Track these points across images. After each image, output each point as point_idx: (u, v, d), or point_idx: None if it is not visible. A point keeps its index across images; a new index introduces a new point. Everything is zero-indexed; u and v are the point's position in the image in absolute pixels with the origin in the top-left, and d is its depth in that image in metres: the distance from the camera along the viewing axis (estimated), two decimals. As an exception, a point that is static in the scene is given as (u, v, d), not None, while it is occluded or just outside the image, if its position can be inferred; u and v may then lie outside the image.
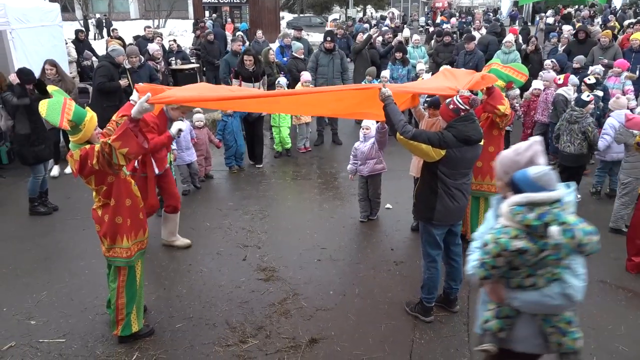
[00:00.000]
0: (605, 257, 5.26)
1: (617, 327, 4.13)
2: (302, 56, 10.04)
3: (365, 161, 5.98)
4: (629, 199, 5.62)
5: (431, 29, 18.91)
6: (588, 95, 6.43)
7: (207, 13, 25.79)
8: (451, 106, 3.84)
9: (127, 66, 8.04)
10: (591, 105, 6.33)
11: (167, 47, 12.48)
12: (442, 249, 4.21)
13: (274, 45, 12.22)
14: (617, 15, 20.24)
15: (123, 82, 7.82)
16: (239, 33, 13.93)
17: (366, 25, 20.95)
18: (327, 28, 19.70)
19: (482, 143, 4.01)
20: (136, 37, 12.82)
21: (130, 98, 4.00)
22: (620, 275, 4.91)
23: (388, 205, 6.49)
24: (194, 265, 5.19)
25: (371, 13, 39.28)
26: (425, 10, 37.23)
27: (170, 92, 3.98)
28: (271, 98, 4.65)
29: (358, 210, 6.25)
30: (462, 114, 3.79)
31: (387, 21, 20.73)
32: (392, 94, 3.93)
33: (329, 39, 9.31)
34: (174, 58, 12.01)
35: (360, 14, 38.01)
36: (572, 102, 6.52)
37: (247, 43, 12.73)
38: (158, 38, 12.29)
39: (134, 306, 3.86)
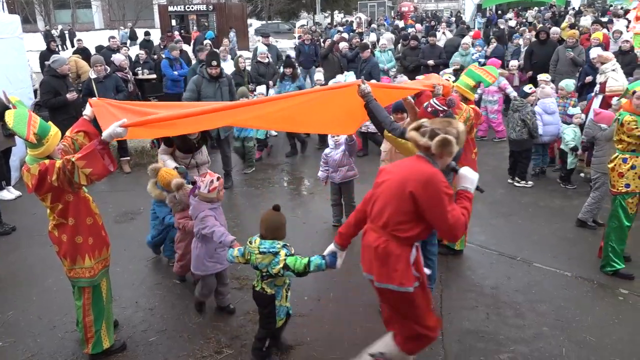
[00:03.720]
0: (572, 250, 5.42)
1: (584, 318, 4.25)
2: (267, 60, 10.01)
3: (337, 168, 6.00)
4: (600, 194, 5.76)
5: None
6: (530, 88, 7.24)
7: (173, 22, 25.58)
8: (429, 109, 3.95)
9: (93, 76, 7.90)
10: (532, 97, 7.22)
11: (133, 58, 12.31)
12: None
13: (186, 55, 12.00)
14: (575, 15, 20.85)
15: (70, 95, 7.48)
16: (206, 41, 13.85)
17: (340, 29, 21.10)
18: (296, 34, 19.78)
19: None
20: (99, 48, 12.55)
21: (84, 113, 3.87)
22: (586, 268, 5.05)
23: (360, 209, 6.53)
24: (167, 277, 5.12)
25: (341, 18, 39.55)
26: (392, 14, 37.68)
27: (138, 112, 3.85)
28: (244, 108, 4.26)
29: (331, 214, 6.28)
30: (441, 115, 3.90)
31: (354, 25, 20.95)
32: (371, 91, 3.93)
33: (214, 63, 7.04)
34: (140, 68, 11.85)
35: (328, 20, 38.23)
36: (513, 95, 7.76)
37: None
38: (125, 48, 12.12)
39: (102, 322, 3.78)
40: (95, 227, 3.67)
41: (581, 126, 7.03)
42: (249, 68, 10.31)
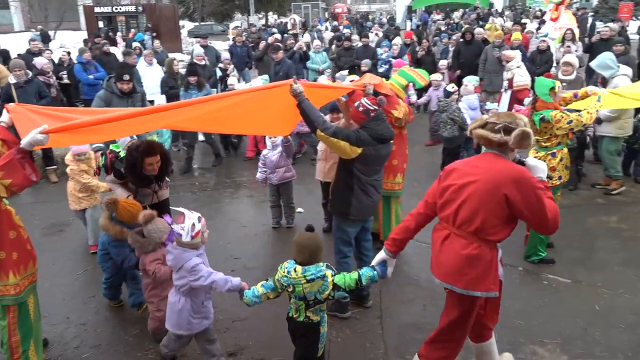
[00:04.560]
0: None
1: (514, 303, 4.47)
2: (203, 62, 9.85)
3: (275, 170, 6.00)
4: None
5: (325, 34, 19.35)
6: (453, 87, 7.58)
7: (100, 23, 24.53)
8: (361, 108, 4.01)
9: (13, 81, 7.44)
10: (455, 96, 7.60)
11: (57, 61, 11.69)
12: (353, 246, 4.38)
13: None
14: (496, 16, 21.95)
15: None
16: (136, 44, 13.41)
17: (274, 30, 21.02)
18: (230, 36, 19.55)
19: (393, 141, 4.24)
20: (19, 54, 11.81)
21: (0, 120, 3.59)
22: (514, 256, 5.31)
23: (299, 210, 6.56)
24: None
25: (274, 19, 39.47)
26: (326, 15, 38.06)
27: (61, 117, 3.63)
28: (177, 110, 3.99)
29: (270, 217, 6.26)
30: (372, 114, 3.97)
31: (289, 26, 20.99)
32: (304, 90, 3.91)
33: (126, 77, 6.31)
34: (65, 72, 11.27)
35: (263, 21, 38.05)
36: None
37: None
38: (48, 51, 11.49)
39: (30, 342, 3.56)
40: (20, 241, 3.45)
41: None
42: (183, 71, 10.08)
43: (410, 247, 5.60)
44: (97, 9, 25.62)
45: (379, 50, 11.77)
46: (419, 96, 9.64)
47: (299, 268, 3.10)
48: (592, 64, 7.00)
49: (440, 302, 4.53)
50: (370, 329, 4.24)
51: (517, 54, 7.87)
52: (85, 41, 16.69)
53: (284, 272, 3.14)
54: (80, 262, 5.27)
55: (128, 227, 4.03)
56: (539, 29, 13.58)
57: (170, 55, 12.03)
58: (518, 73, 7.21)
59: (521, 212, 2.86)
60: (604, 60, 6.71)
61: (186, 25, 34.22)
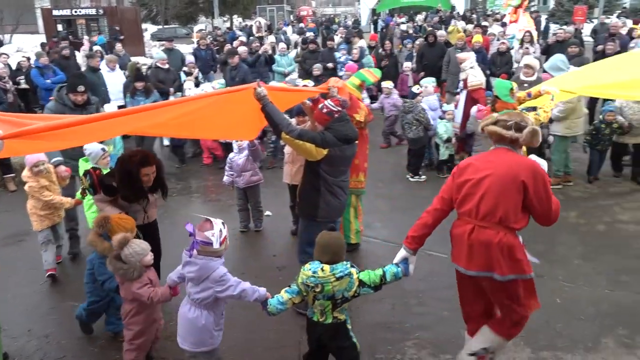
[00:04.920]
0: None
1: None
2: (166, 66, 9.72)
3: (241, 173, 5.97)
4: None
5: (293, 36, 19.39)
6: (417, 88, 7.84)
7: (59, 27, 23.87)
8: (324, 110, 4.04)
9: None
10: (420, 97, 7.85)
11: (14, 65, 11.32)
12: None
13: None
14: (459, 19, 22.40)
15: None
16: (97, 48, 13.12)
17: (240, 33, 20.90)
18: (194, 39, 19.32)
19: (357, 141, 4.29)
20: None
21: None
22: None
23: (267, 213, 6.55)
24: (63, 300, 4.79)
25: (239, 22, 39.24)
26: (291, 18, 38.11)
27: (16, 123, 3.46)
28: (141, 115, 3.79)
29: (238, 220, 6.22)
30: (336, 115, 4.00)
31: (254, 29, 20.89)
32: (267, 94, 3.89)
33: (81, 88, 5.46)
34: (23, 77, 10.93)
35: (227, 24, 37.78)
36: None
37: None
38: (4, 55, 11.10)
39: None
40: None
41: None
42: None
43: (378, 248, 5.72)
44: (55, 12, 24.94)
45: (337, 54, 11.77)
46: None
47: (327, 267, 3.11)
48: (545, 66, 7.25)
49: (409, 301, 4.62)
50: (340, 329, 4.26)
51: (470, 55, 8.13)
52: (42, 45, 16.21)
53: (309, 274, 3.13)
54: (41, 272, 5.11)
55: (109, 239, 3.73)
56: (504, 31, 13.92)
57: (133, 59, 11.83)
58: (471, 73, 7.44)
59: (531, 201, 3.04)
60: (555, 62, 6.97)
61: (149, 29, 33.61)
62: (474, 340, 3.49)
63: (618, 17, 20.43)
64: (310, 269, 3.14)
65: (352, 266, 3.20)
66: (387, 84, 9.14)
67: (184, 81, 9.70)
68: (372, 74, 5.75)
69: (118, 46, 12.21)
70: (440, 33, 12.02)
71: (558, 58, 7.02)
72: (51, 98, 5.80)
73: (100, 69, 9.46)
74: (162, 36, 24.99)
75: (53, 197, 5.01)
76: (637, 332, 4.16)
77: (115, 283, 3.66)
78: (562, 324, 4.28)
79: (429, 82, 8.52)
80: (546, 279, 4.93)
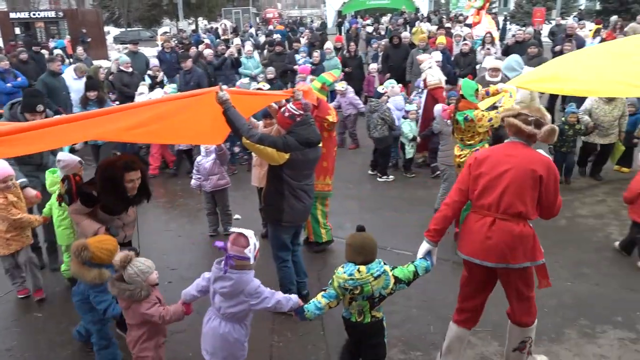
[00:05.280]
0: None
1: (447, 295, 4.64)
2: (130, 70, 9.55)
3: (208, 177, 5.91)
4: (448, 184, 6.34)
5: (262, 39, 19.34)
6: (383, 88, 7.88)
7: (17, 30, 23.15)
8: (287, 113, 4.02)
9: None
10: (385, 97, 7.89)
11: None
12: (290, 250, 4.42)
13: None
14: (423, 21, 22.78)
15: None
16: (57, 51, 12.78)
17: (204, 36, 20.69)
18: (159, 42, 19.06)
19: (321, 145, 4.29)
20: None
21: None
22: (445, 250, 5.50)
23: (237, 216, 6.51)
24: (26, 311, 4.64)
25: (205, 25, 38.83)
26: (257, 21, 37.95)
27: None
28: (103, 119, 3.64)
29: (207, 224, 6.17)
30: (299, 119, 3.99)
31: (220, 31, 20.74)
32: (229, 98, 3.86)
33: (39, 108, 4.87)
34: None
35: (193, 26, 37.34)
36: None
37: (68, 61, 11.74)
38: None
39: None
40: None
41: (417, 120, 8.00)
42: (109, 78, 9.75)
43: (342, 249, 5.74)
44: (12, 15, 24.20)
45: (297, 57, 11.73)
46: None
47: (363, 268, 3.10)
48: (501, 66, 7.46)
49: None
50: (311, 330, 4.27)
51: (427, 56, 8.39)
52: (-1, 49, 15.71)
53: (345, 277, 3.11)
54: (3, 285, 4.94)
55: (106, 267, 3.44)
56: (471, 33, 14.20)
57: (95, 62, 11.57)
58: (430, 73, 7.71)
59: (542, 194, 3.19)
60: (510, 62, 7.17)
61: (112, 32, 32.98)
62: (510, 336, 3.62)
63: (575, 18, 21.13)
64: (345, 272, 3.13)
65: (385, 264, 3.22)
66: (341, 85, 9.19)
67: (151, 85, 9.53)
68: (331, 75, 5.81)
69: (79, 50, 11.93)
70: (405, 35, 12.19)
71: (513, 59, 7.23)
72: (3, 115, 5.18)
73: (61, 73, 9.22)
74: (126, 39, 24.56)
75: (21, 214, 4.49)
76: (598, 322, 4.32)
77: (119, 309, 3.42)
78: (527, 316, 4.39)
79: (391, 83, 8.61)
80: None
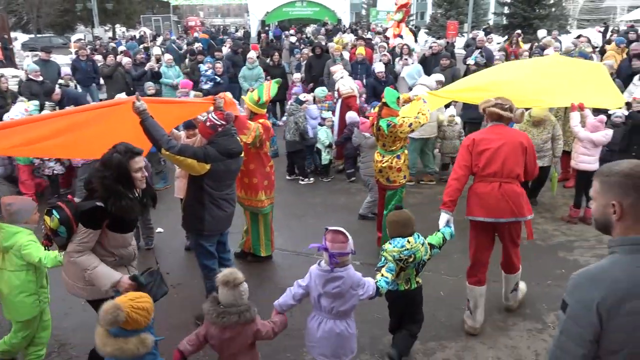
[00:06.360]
0: (358, 241, 6.05)
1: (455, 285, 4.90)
2: (40, 78, 9.02)
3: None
4: (375, 192, 6.55)
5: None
6: (304, 97, 8.30)
7: None
8: (208, 123, 3.99)
9: None
10: (306, 105, 8.21)
11: None
12: (217, 258, 4.37)
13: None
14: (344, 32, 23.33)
15: None
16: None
17: (129, 44, 19.87)
18: (72, 49, 18.10)
19: (243, 155, 4.28)
20: None
21: None
22: (370, 255, 5.69)
23: (159, 229, 6.34)
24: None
25: (123, 32, 37.38)
26: (179, 29, 37.09)
27: None
28: (8, 131, 3.49)
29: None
30: (220, 129, 3.97)
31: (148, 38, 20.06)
32: (147, 108, 3.73)
33: None
34: None
35: (110, 33, 35.84)
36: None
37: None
38: None
39: None
40: None
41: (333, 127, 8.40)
42: (13, 88, 9.12)
43: (276, 256, 5.77)
44: None
45: (202, 67, 11.14)
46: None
47: (411, 238, 3.63)
48: (404, 74, 8.01)
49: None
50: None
51: (340, 67, 8.88)
52: None
53: (399, 249, 3.57)
54: None
55: (132, 333, 2.67)
56: (404, 43, 14.69)
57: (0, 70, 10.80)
58: (341, 82, 8.20)
59: (525, 160, 4.12)
60: (412, 72, 7.74)
61: (19, 38, 30.87)
62: (506, 287, 4.59)
63: (482, 31, 22.49)
64: (396, 246, 3.58)
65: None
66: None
67: (19, 101, 8.11)
68: (267, 89, 5.38)
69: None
70: (331, 45, 12.47)
71: (415, 69, 7.91)
72: None
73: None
74: (35, 46, 23.10)
75: None
76: (509, 315, 4.65)
77: None
78: (446, 315, 4.63)
79: (306, 97, 8.72)
80: (431, 274, 5.29)
